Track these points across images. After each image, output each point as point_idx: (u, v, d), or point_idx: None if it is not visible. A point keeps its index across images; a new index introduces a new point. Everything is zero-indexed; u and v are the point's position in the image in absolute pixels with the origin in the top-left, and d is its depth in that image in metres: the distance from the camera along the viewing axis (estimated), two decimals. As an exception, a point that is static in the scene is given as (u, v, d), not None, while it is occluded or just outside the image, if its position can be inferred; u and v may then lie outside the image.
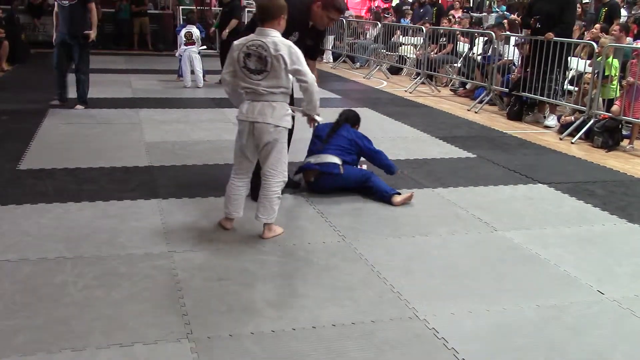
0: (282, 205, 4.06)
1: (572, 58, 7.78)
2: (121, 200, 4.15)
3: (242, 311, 2.76)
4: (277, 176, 3.54)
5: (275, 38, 3.38)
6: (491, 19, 12.47)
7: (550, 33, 7.27)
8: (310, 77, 3.43)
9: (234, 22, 9.37)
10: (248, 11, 14.68)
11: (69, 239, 3.46)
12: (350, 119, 4.74)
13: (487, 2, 13.73)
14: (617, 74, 7.09)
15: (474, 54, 10.13)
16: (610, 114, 6.69)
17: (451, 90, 10.59)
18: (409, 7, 14.99)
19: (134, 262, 3.20)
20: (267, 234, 3.61)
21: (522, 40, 8.39)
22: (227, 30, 9.24)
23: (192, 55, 9.23)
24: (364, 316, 2.76)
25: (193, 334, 2.55)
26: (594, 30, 8.61)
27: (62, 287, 2.90)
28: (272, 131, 3.44)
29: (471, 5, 14.64)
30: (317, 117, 3.57)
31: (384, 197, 4.33)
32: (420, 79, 10.66)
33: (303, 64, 3.39)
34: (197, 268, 3.18)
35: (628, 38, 8.23)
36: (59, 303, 2.75)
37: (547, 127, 7.64)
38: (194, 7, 14.82)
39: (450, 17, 12.36)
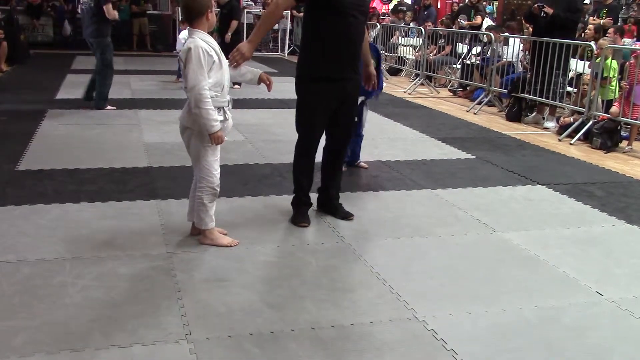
0: (283, 206, 4.08)
1: (571, 59, 7.78)
2: (120, 201, 4.15)
3: (241, 312, 2.75)
4: (200, 181, 3.39)
5: (189, 39, 3.19)
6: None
7: (550, 9, 7.24)
8: (193, 90, 3.14)
9: (234, 24, 9.38)
10: (247, 12, 14.70)
11: (67, 240, 3.46)
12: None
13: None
14: (615, 76, 7.11)
15: (472, 55, 10.14)
16: (609, 115, 6.70)
17: (450, 91, 10.60)
18: (406, 9, 14.94)
19: (133, 263, 3.20)
20: (201, 239, 3.49)
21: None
22: (229, 34, 9.26)
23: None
24: (363, 317, 2.76)
25: (192, 335, 2.55)
26: (587, 31, 8.63)
27: (61, 288, 2.89)
28: (182, 131, 3.40)
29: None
30: (212, 139, 3.25)
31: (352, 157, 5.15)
32: (420, 80, 10.67)
33: (190, 69, 3.13)
34: (196, 269, 3.18)
35: (628, 40, 8.25)
36: (58, 304, 2.75)
37: (546, 128, 7.64)
38: None
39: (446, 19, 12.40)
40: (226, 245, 3.45)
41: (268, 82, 3.57)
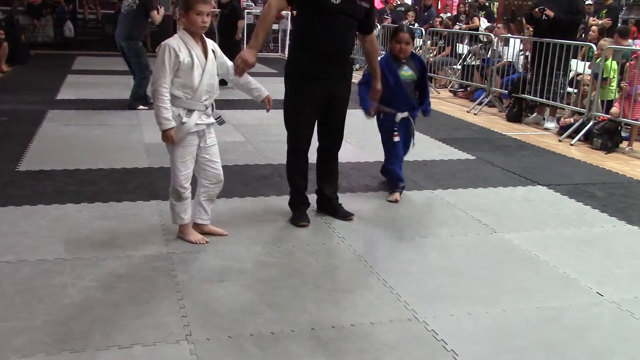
0: (283, 207, 4.08)
1: (572, 60, 7.79)
2: (120, 202, 4.15)
3: (241, 313, 2.75)
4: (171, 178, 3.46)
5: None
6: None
7: (551, 12, 7.24)
8: (152, 86, 3.24)
9: (241, 23, 9.52)
10: (248, 13, 14.71)
11: (68, 241, 3.46)
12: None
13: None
14: (615, 76, 7.11)
15: (472, 56, 10.15)
16: (609, 116, 6.70)
17: (450, 92, 10.60)
18: (405, 10, 14.93)
19: (133, 264, 3.20)
20: (178, 233, 3.58)
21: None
22: (239, 34, 9.39)
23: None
24: (363, 318, 2.76)
25: (192, 335, 2.55)
26: (591, 32, 8.63)
27: (61, 289, 2.89)
28: None
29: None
30: (163, 136, 3.27)
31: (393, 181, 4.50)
32: (420, 80, 10.65)
33: (155, 66, 3.23)
34: (196, 269, 3.18)
35: (628, 40, 8.25)
36: (58, 304, 2.75)
37: (546, 129, 7.64)
38: None
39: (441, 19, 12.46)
40: (193, 242, 3.48)
41: (268, 107, 3.62)
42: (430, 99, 4.58)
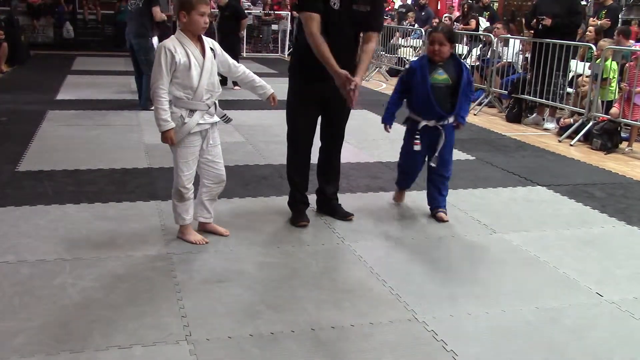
0: (283, 207, 4.08)
1: (572, 60, 7.79)
2: (120, 202, 4.15)
3: (241, 313, 2.75)
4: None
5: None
6: None
7: (548, 19, 7.26)
8: (151, 88, 3.22)
9: (244, 22, 9.65)
10: (247, 13, 14.72)
11: (67, 241, 3.46)
12: None
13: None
14: (615, 77, 7.11)
15: (471, 55, 10.15)
16: (609, 117, 6.70)
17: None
18: (406, 10, 14.95)
19: (133, 264, 3.20)
20: (178, 233, 3.58)
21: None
22: (243, 32, 9.54)
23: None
24: (363, 318, 2.76)
25: (192, 335, 2.55)
26: (588, 33, 8.64)
27: (61, 289, 2.89)
28: None
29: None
30: (163, 137, 3.27)
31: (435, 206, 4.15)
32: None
33: (153, 68, 3.24)
34: (196, 270, 3.18)
35: (630, 41, 8.25)
36: (58, 305, 2.75)
37: (546, 129, 7.65)
38: None
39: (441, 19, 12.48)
40: (192, 242, 3.49)
41: (273, 104, 3.65)
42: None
